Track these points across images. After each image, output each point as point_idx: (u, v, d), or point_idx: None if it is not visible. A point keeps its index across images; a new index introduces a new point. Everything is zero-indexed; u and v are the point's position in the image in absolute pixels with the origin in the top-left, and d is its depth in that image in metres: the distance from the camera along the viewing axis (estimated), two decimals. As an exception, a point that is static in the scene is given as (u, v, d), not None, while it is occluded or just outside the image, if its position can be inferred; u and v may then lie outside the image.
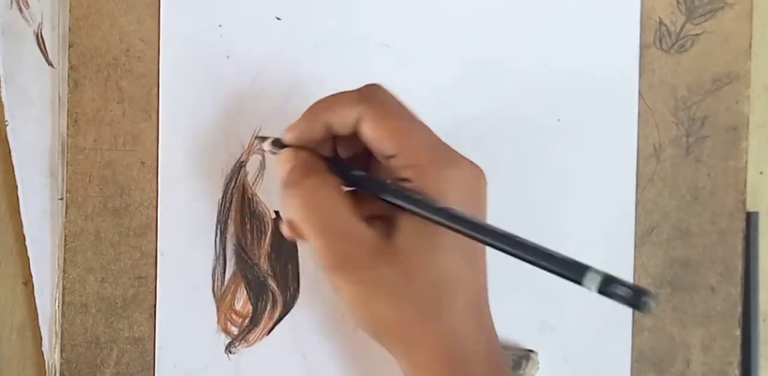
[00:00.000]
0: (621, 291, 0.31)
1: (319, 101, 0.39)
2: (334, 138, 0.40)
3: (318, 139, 0.39)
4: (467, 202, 0.37)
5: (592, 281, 0.31)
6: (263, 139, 0.41)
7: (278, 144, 0.39)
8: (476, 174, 0.38)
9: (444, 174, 0.37)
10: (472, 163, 0.38)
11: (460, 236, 0.35)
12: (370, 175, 0.39)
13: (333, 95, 0.38)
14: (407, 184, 0.37)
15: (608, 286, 0.31)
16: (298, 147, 0.39)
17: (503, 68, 0.48)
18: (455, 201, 0.36)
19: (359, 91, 0.38)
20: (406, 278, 0.36)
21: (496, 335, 0.39)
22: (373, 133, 0.37)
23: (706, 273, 0.48)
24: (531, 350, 0.47)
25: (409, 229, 0.37)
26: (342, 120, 0.38)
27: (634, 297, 0.30)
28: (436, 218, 0.35)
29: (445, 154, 0.38)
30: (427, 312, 0.37)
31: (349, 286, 0.37)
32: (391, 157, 0.37)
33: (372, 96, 0.38)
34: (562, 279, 0.32)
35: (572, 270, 0.32)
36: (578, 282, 0.31)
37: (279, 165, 0.39)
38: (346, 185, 0.38)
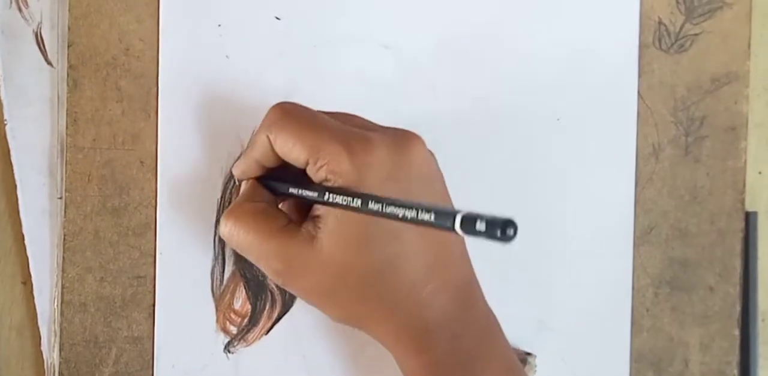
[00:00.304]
0: (482, 226, 0.30)
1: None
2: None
3: (258, 173, 0.42)
4: (390, 181, 0.38)
5: (458, 224, 0.31)
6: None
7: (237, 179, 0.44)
8: (396, 148, 0.39)
9: (354, 164, 0.37)
10: (389, 138, 0.39)
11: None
12: (289, 183, 0.41)
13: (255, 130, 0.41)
14: (326, 184, 0.38)
15: (469, 224, 0.30)
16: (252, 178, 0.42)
17: (503, 68, 0.48)
18: (373, 188, 0.37)
19: (264, 119, 0.40)
20: (339, 278, 0.38)
21: (468, 288, 0.41)
22: (282, 150, 0.39)
23: (704, 273, 0.48)
24: (529, 354, 0.47)
25: (330, 227, 0.38)
26: (262, 151, 0.40)
27: (496, 229, 0.29)
28: (317, 199, 0.38)
29: (352, 144, 0.38)
30: (368, 300, 0.39)
31: (299, 295, 0.41)
32: (307, 164, 0.38)
33: (273, 118, 0.39)
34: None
35: (444, 219, 0.31)
36: (452, 229, 0.31)
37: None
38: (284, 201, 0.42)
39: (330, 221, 0.38)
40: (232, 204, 0.41)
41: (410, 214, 0.33)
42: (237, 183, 0.45)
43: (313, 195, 0.38)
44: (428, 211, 0.32)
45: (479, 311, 0.41)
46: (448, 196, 0.41)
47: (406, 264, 0.38)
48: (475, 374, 0.39)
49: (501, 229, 0.29)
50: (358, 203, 0.36)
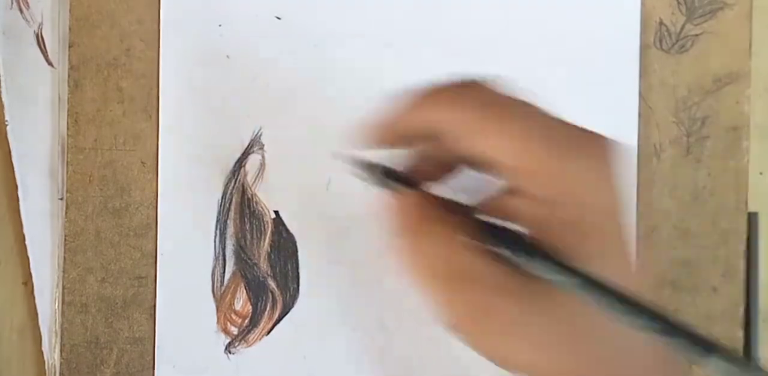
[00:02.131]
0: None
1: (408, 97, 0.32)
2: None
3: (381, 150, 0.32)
4: (596, 197, 0.29)
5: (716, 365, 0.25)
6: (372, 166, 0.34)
7: (391, 175, 0.33)
8: (600, 157, 0.30)
9: (554, 184, 0.29)
10: (591, 144, 0.30)
11: None
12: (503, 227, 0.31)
13: (436, 93, 0.31)
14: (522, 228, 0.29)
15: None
16: (408, 187, 0.32)
17: (503, 69, 0.48)
18: (576, 203, 0.29)
19: (463, 95, 0.31)
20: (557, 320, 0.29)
21: None
22: (492, 155, 0.29)
23: (707, 274, 0.48)
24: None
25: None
26: (437, 128, 0.31)
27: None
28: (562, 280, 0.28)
29: (552, 161, 0.29)
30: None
31: (488, 340, 0.30)
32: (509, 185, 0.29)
33: (489, 109, 0.31)
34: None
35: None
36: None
37: (387, 208, 0.32)
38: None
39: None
40: (413, 218, 0.31)
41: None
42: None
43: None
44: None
45: None
46: None
47: None
48: None
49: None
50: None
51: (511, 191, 0.30)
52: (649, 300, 0.27)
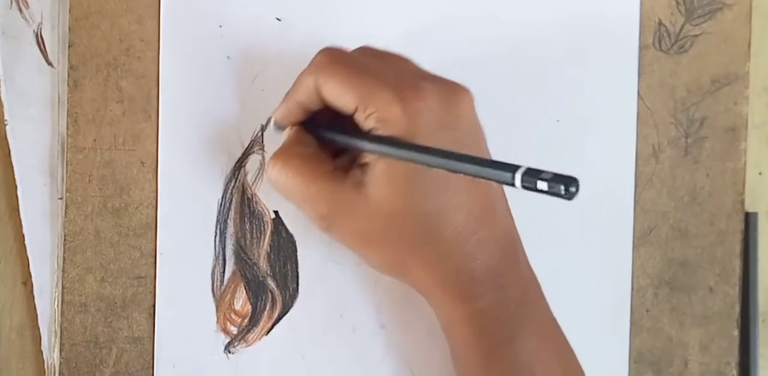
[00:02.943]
0: (545, 181, 0.30)
1: (292, 86, 0.41)
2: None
3: (300, 118, 0.42)
4: (440, 129, 0.38)
5: (518, 178, 0.31)
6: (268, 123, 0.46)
7: (276, 125, 0.44)
8: (447, 97, 0.38)
9: (405, 111, 0.37)
10: (441, 86, 0.38)
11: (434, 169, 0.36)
12: (339, 130, 0.41)
13: (299, 75, 0.41)
14: (376, 132, 0.38)
15: (531, 178, 0.31)
16: (295, 124, 0.42)
17: (503, 69, 0.48)
18: (423, 135, 0.37)
19: (311, 62, 0.40)
20: (386, 225, 0.39)
21: (512, 246, 0.41)
22: (330, 96, 0.39)
23: (704, 274, 0.48)
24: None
25: (379, 174, 0.38)
26: (306, 95, 0.40)
27: (559, 185, 0.30)
28: (395, 153, 0.37)
29: (402, 90, 0.38)
30: (415, 249, 0.39)
31: (341, 240, 0.41)
32: (356, 111, 0.38)
33: (321, 62, 0.39)
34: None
35: (504, 170, 0.32)
36: (511, 184, 0.31)
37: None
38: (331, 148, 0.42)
39: (378, 168, 0.38)
40: (279, 148, 0.41)
41: (470, 167, 0.33)
42: (276, 128, 0.44)
43: (366, 145, 0.38)
44: (487, 164, 0.33)
45: (522, 266, 0.41)
46: (488, 151, 0.41)
47: (453, 214, 0.38)
48: (517, 327, 0.39)
49: (565, 185, 0.29)
50: (416, 154, 0.35)
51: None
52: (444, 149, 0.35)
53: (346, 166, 0.41)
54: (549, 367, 0.40)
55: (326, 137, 0.42)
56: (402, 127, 0.37)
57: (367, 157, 0.39)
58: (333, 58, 0.39)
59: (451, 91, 0.39)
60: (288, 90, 0.42)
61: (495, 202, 0.40)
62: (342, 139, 0.40)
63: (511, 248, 0.41)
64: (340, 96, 0.38)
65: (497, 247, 0.40)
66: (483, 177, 0.33)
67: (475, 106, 0.40)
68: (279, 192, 0.41)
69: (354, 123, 0.40)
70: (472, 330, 0.39)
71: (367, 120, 0.38)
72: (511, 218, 0.41)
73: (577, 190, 0.30)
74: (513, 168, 0.31)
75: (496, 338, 0.39)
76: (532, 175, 0.31)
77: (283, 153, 0.41)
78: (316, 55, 0.40)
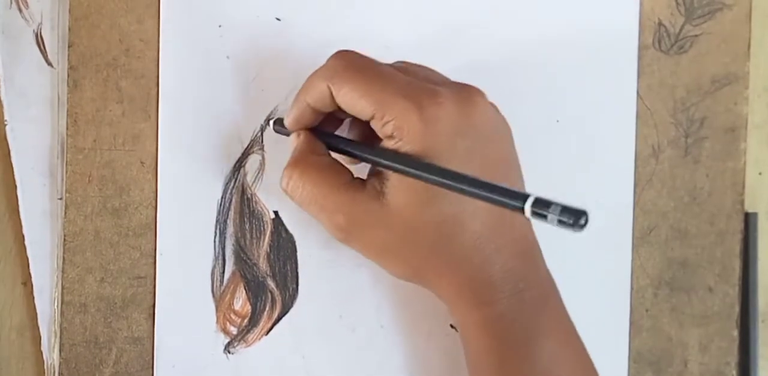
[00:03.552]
0: (554, 212, 0.30)
1: (301, 86, 0.41)
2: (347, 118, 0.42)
3: (313, 121, 0.41)
4: (458, 137, 0.38)
5: (529, 207, 0.31)
6: (268, 120, 0.46)
7: (279, 124, 0.43)
8: (462, 103, 0.38)
9: (422, 120, 0.37)
10: (456, 92, 0.38)
11: None
12: (352, 143, 0.41)
13: (308, 77, 0.40)
14: (392, 142, 0.38)
15: (541, 208, 0.31)
16: (305, 129, 0.42)
17: (503, 69, 0.48)
18: (441, 144, 0.37)
19: (324, 65, 0.40)
20: (404, 235, 0.39)
21: (529, 250, 0.41)
22: (345, 102, 0.38)
23: (704, 274, 0.48)
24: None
25: (397, 185, 0.38)
26: (318, 99, 0.39)
27: (569, 217, 0.30)
28: (412, 173, 0.37)
29: (419, 98, 0.37)
30: (433, 257, 0.39)
31: (360, 250, 0.41)
32: (372, 118, 0.38)
33: (336, 67, 0.39)
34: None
35: (514, 199, 0.32)
36: (520, 211, 0.32)
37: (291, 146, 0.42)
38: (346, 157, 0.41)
39: (396, 177, 0.38)
40: (292, 157, 0.41)
41: (481, 193, 0.33)
42: (277, 130, 0.44)
43: (378, 160, 0.38)
44: (497, 191, 0.33)
45: (541, 271, 0.41)
46: (515, 151, 0.41)
47: (472, 221, 0.38)
48: (535, 332, 0.39)
49: (574, 217, 0.30)
50: (428, 175, 0.36)
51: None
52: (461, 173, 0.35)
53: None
54: (566, 371, 0.40)
55: (336, 147, 0.41)
56: (420, 135, 0.37)
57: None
58: (349, 63, 0.39)
59: (467, 96, 0.39)
60: (297, 93, 0.41)
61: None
62: (354, 150, 0.40)
63: (529, 252, 0.41)
64: (357, 103, 0.38)
65: (515, 251, 0.40)
66: (491, 202, 0.33)
67: (490, 103, 0.40)
68: (294, 202, 0.41)
69: (361, 128, 0.40)
70: (490, 334, 0.39)
71: (384, 128, 0.38)
72: (529, 221, 0.41)
73: (587, 222, 0.30)
74: (522, 197, 0.32)
75: (514, 342, 0.39)
76: (541, 207, 0.31)
77: (298, 163, 0.40)
78: (330, 58, 0.40)
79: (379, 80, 0.38)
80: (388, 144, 0.38)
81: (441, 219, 0.38)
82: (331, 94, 0.39)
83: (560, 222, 0.30)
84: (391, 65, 0.40)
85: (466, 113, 0.38)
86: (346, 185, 0.39)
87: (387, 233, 0.39)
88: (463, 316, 0.40)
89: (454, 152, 0.37)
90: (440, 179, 0.35)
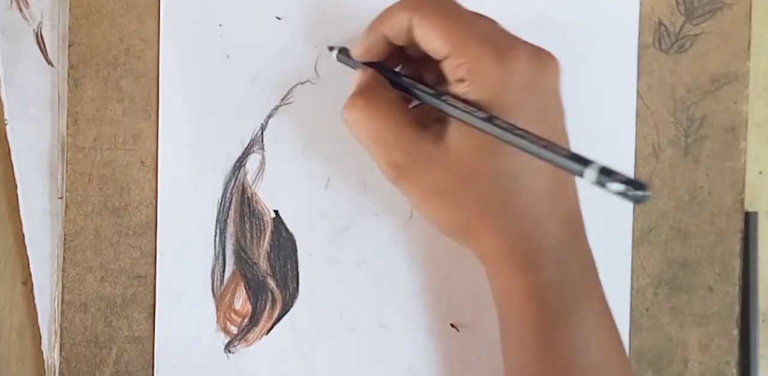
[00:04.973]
0: (617, 183, 0.31)
1: (377, 16, 0.40)
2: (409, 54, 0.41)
3: (383, 53, 0.40)
4: (528, 94, 0.37)
5: (591, 174, 0.32)
6: (332, 48, 0.44)
7: (345, 53, 0.43)
8: (539, 62, 0.38)
9: (499, 69, 0.36)
10: (534, 51, 0.38)
11: None
12: (419, 84, 0.40)
13: (387, 8, 0.39)
14: (462, 85, 0.37)
15: (605, 177, 0.31)
16: (368, 64, 0.41)
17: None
18: (511, 96, 0.36)
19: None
20: (461, 181, 0.38)
21: (577, 222, 0.40)
22: (423, 37, 0.37)
23: (704, 273, 0.48)
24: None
25: (461, 131, 0.37)
26: (396, 29, 0.38)
27: (631, 188, 0.30)
28: (476, 124, 0.36)
29: (499, 47, 0.37)
30: (487, 210, 0.38)
31: (411, 192, 0.39)
32: (446, 58, 0.37)
33: (420, 2, 0.38)
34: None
35: (576, 162, 0.33)
36: (581, 175, 0.32)
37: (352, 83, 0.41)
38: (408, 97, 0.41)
39: (460, 124, 0.37)
40: (357, 88, 0.40)
41: (544, 152, 0.33)
42: (342, 59, 0.44)
43: (446, 107, 0.37)
44: (563, 153, 0.33)
45: (585, 244, 0.40)
46: (566, 126, 0.40)
47: (529, 179, 0.38)
48: (577, 304, 0.39)
49: (638, 187, 0.30)
50: (495, 128, 0.35)
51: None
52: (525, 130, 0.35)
53: (424, 116, 0.40)
54: (605, 347, 0.39)
55: (404, 87, 0.40)
56: (492, 83, 0.36)
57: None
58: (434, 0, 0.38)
59: (544, 57, 0.38)
60: (372, 22, 0.40)
61: (567, 176, 0.39)
62: (422, 94, 0.39)
63: (578, 224, 0.40)
64: (434, 40, 0.37)
65: (565, 220, 0.39)
66: (556, 165, 0.33)
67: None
68: (353, 134, 0.40)
69: (430, 71, 0.40)
70: (533, 301, 0.38)
71: (456, 70, 0.37)
72: (578, 196, 0.40)
73: (647, 195, 0.30)
74: (587, 162, 0.32)
75: (556, 313, 0.38)
76: (605, 174, 0.31)
77: (365, 94, 0.39)
78: None
79: (462, 21, 0.37)
80: (456, 88, 0.37)
81: (500, 171, 0.37)
82: (410, 26, 0.38)
83: (624, 191, 0.30)
84: (471, 11, 0.39)
85: (540, 73, 0.38)
86: (410, 123, 0.38)
87: (443, 176, 0.38)
88: (507, 280, 0.39)
89: (521, 107, 0.36)
90: (506, 134, 0.35)
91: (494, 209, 0.38)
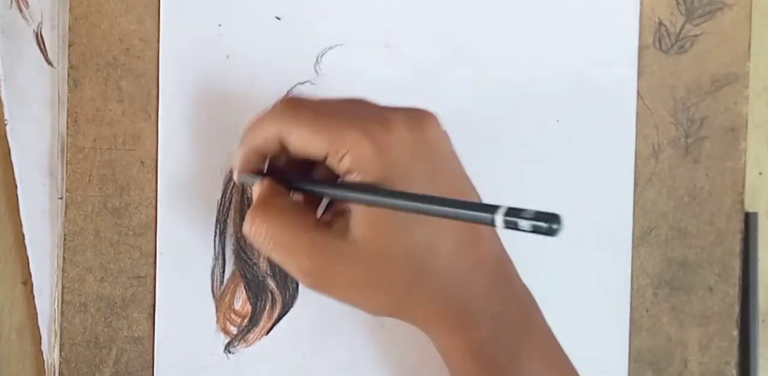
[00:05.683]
0: (527, 220, 0.30)
1: (245, 130, 0.40)
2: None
3: (261, 165, 0.40)
4: (416, 160, 0.37)
5: (500, 219, 0.31)
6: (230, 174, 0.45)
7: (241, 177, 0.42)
8: (415, 125, 0.38)
9: (378, 148, 0.36)
10: (408, 115, 0.38)
11: None
12: (314, 180, 0.41)
13: (253, 122, 0.39)
14: (353, 176, 0.37)
15: (515, 217, 0.30)
16: (270, 171, 0.41)
17: (503, 69, 0.48)
18: (400, 169, 0.37)
19: (271, 111, 0.39)
20: (377, 269, 0.37)
21: (502, 266, 0.40)
22: (297, 146, 0.38)
23: (703, 273, 0.48)
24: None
25: (364, 218, 0.37)
26: (267, 143, 0.39)
27: (542, 223, 0.30)
28: (379, 202, 0.36)
29: (371, 126, 0.37)
30: (409, 287, 0.38)
31: (331, 294, 0.39)
32: (327, 157, 0.37)
33: (285, 111, 0.38)
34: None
35: (483, 212, 0.32)
36: (492, 223, 0.31)
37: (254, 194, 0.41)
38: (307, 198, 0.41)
39: (359, 212, 0.37)
40: (255, 202, 0.39)
41: (449, 210, 0.33)
42: (236, 183, 0.45)
43: (340, 193, 0.38)
44: (466, 206, 0.32)
45: (516, 287, 0.40)
46: (466, 174, 0.40)
47: (441, 246, 0.38)
48: (520, 350, 0.39)
49: (547, 222, 0.29)
50: (393, 200, 0.35)
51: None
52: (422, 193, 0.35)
53: (325, 214, 0.40)
54: None
55: (299, 188, 0.40)
56: (376, 164, 0.36)
57: (346, 204, 0.38)
58: (296, 105, 0.38)
59: (419, 118, 0.38)
60: (242, 138, 0.40)
61: (479, 226, 0.39)
62: (316, 188, 0.39)
63: (503, 268, 0.40)
64: (309, 142, 0.37)
65: (489, 269, 0.39)
66: (462, 219, 0.33)
67: (441, 127, 0.39)
68: (259, 249, 0.39)
69: (321, 169, 0.40)
70: (474, 360, 0.39)
71: (341, 163, 0.37)
72: (498, 237, 0.41)
73: (560, 226, 0.29)
74: (492, 209, 0.31)
75: (499, 366, 0.39)
76: (513, 216, 0.30)
77: (261, 207, 0.39)
78: (276, 104, 0.39)
79: (328, 116, 0.37)
80: (349, 179, 0.37)
81: (411, 247, 0.37)
82: (281, 138, 0.38)
83: (535, 228, 0.30)
84: (337, 100, 0.39)
85: (420, 135, 0.38)
86: (312, 226, 0.38)
87: (358, 270, 0.38)
88: (446, 343, 0.40)
89: (413, 176, 0.37)
90: (406, 203, 0.35)
91: (416, 284, 0.38)
